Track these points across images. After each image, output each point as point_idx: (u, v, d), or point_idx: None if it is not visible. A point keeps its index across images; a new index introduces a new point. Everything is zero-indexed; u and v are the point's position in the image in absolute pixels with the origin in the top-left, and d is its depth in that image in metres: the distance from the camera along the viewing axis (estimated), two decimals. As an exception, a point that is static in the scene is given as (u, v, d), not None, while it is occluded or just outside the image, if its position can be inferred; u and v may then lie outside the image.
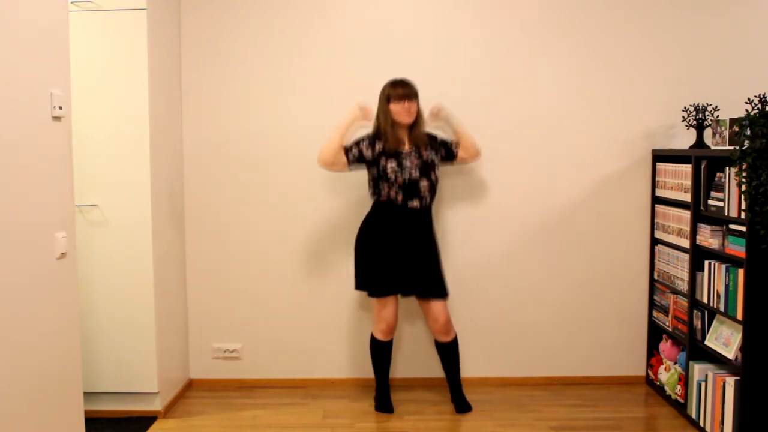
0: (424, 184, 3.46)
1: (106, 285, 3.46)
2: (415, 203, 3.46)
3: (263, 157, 3.92)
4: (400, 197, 3.46)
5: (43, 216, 2.36)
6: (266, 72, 3.90)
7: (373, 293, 3.55)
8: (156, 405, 3.56)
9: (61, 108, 2.44)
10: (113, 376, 3.50)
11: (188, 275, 3.98)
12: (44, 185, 2.37)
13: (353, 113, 3.55)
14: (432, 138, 3.59)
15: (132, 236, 3.43)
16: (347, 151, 3.52)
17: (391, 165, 3.45)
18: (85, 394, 3.06)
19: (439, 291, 3.54)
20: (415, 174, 3.45)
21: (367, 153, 3.50)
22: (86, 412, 2.79)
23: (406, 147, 3.50)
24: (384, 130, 3.48)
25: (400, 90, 3.45)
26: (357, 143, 3.53)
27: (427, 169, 3.48)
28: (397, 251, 3.48)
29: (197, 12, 3.87)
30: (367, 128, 3.59)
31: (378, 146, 3.49)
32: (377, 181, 3.49)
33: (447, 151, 3.60)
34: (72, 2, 3.27)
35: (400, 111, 3.45)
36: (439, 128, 3.70)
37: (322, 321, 4.00)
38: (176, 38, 3.83)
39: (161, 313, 3.56)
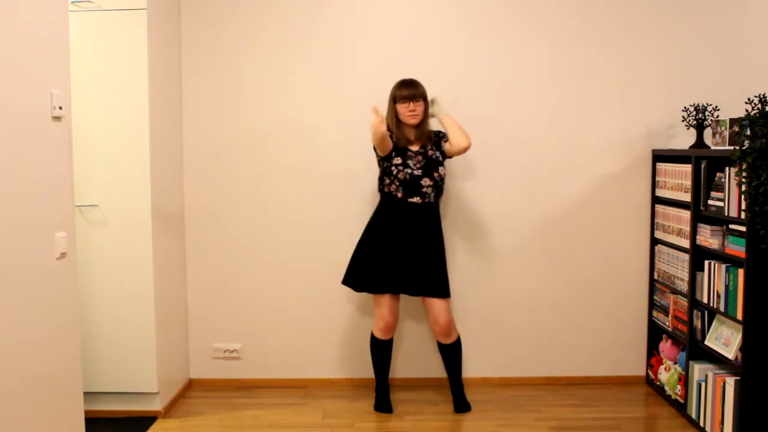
0: (426, 182, 3.45)
1: (106, 285, 3.46)
2: (416, 199, 3.45)
3: (263, 157, 3.92)
4: (400, 193, 3.45)
5: (43, 216, 2.36)
6: (266, 72, 3.89)
7: (359, 289, 3.53)
8: (156, 405, 3.56)
9: (61, 108, 2.44)
10: (113, 376, 3.50)
11: (188, 275, 3.98)
12: (44, 185, 2.37)
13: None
14: (437, 134, 3.58)
15: (132, 236, 3.43)
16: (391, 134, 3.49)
17: (397, 161, 3.45)
18: (85, 394, 3.07)
19: (440, 291, 3.49)
20: (418, 171, 3.44)
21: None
22: (86, 412, 2.80)
23: (415, 146, 3.50)
24: (391, 130, 3.48)
25: (405, 91, 3.46)
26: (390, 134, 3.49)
27: (431, 167, 3.47)
28: (397, 248, 3.46)
29: (197, 12, 3.87)
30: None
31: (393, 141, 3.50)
32: (383, 176, 3.50)
33: (439, 147, 3.55)
34: (72, 2, 3.27)
35: (405, 113, 3.46)
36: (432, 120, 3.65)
37: (322, 321, 4.00)
38: (176, 38, 3.83)
39: (161, 312, 3.56)
